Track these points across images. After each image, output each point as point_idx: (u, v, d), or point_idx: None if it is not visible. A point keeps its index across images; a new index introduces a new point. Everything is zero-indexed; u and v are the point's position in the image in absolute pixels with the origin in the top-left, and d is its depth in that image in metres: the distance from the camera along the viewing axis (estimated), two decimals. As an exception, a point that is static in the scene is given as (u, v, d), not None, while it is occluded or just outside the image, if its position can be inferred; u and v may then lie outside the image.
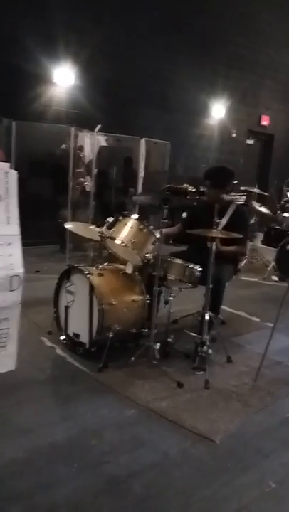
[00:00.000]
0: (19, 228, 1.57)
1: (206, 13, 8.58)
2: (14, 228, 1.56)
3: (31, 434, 2.44)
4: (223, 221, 3.78)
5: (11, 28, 6.10)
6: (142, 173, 6.79)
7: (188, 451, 2.43)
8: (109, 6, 7.05)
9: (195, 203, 4.42)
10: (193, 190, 7.69)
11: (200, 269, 3.41)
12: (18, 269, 1.56)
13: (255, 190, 7.19)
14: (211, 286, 3.40)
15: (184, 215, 4.65)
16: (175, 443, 2.49)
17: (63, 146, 6.10)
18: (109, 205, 6.94)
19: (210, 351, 3.38)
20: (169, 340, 3.56)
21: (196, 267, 3.41)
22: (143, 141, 6.66)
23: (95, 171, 6.17)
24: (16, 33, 6.10)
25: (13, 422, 2.55)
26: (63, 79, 6.92)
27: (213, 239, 3.33)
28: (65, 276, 3.59)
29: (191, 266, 3.41)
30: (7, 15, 6.05)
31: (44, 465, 2.21)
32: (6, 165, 1.54)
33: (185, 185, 7.82)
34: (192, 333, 3.57)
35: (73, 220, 5.64)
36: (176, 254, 3.64)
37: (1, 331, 1.55)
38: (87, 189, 6.18)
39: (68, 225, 4.13)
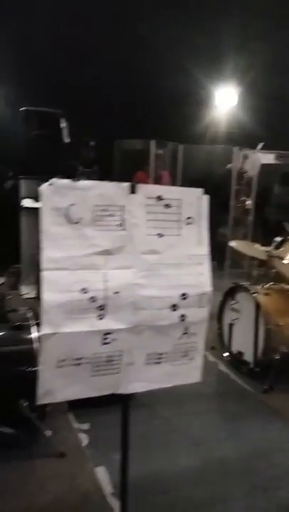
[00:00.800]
0: (209, 249, 1.68)
1: None
2: (204, 249, 1.67)
3: (202, 446, 2.53)
4: None
5: (176, 55, 6.47)
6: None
7: None
8: (273, 20, 6.99)
9: None
10: None
11: None
12: (207, 287, 1.66)
13: None
14: None
15: None
16: None
17: (228, 165, 6.22)
18: (268, 223, 6.81)
19: None
20: None
21: None
22: (307, 156, 6.40)
23: (256, 188, 6.14)
24: (181, 58, 6.44)
25: (183, 432, 2.68)
26: (226, 100, 7.09)
27: None
28: (230, 293, 3.64)
29: None
30: (173, 41, 6.43)
31: (217, 479, 2.26)
32: (199, 190, 1.67)
33: None
34: None
35: (233, 237, 5.68)
36: None
37: (190, 345, 1.67)
38: (248, 207, 6.18)
39: (232, 243, 4.18)
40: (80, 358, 1.50)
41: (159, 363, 1.63)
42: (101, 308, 1.49)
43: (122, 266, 1.53)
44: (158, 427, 2.70)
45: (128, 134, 6.03)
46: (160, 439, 2.60)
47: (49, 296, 1.43)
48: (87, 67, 6.13)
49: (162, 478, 2.26)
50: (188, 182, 6.23)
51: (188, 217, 1.64)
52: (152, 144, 5.71)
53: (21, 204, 5.22)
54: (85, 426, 2.66)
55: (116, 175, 6.16)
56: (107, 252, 1.51)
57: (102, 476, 2.25)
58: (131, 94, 6.13)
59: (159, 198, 1.59)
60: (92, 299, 1.48)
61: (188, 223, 1.64)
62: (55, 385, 1.49)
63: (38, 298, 4.72)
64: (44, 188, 1.43)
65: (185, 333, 1.65)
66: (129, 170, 5.78)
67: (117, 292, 1.51)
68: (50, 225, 1.44)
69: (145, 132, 5.75)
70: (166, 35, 6.40)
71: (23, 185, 5.23)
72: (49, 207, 1.44)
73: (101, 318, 1.50)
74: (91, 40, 6.06)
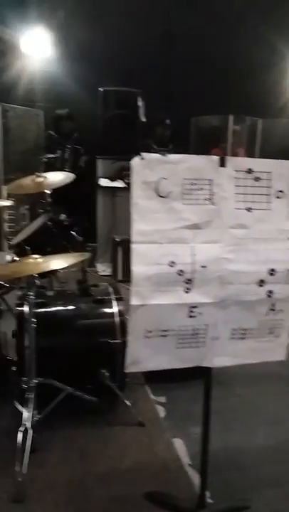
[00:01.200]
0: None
1: None
2: (294, 224, 1.62)
3: (280, 425, 2.50)
4: None
5: (254, 22, 6.12)
6: None
7: None
8: None
9: None
10: None
11: None
12: (297, 263, 1.61)
13: None
14: None
15: None
16: None
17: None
18: None
19: None
20: None
21: None
22: None
23: None
24: (259, 26, 6.10)
25: (260, 411, 2.65)
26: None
27: None
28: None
29: None
30: (249, 7, 6.07)
31: (296, 458, 2.24)
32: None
33: None
34: None
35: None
36: None
37: (277, 321, 1.64)
38: None
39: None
40: (167, 330, 1.53)
41: (243, 338, 1.62)
42: (188, 281, 1.51)
43: (209, 240, 1.53)
44: (234, 404, 2.70)
45: (205, 111, 5.89)
46: (236, 416, 2.59)
47: (138, 268, 1.46)
48: (161, 44, 6.06)
49: (238, 455, 2.26)
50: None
51: (279, 191, 1.59)
52: (230, 119, 5.54)
53: (98, 183, 5.34)
54: (162, 399, 2.72)
55: (191, 154, 6.08)
56: (195, 226, 1.52)
57: (180, 447, 2.29)
58: (207, 68, 5.96)
59: (249, 171, 1.55)
60: (180, 273, 1.49)
61: (278, 197, 1.59)
62: (142, 355, 1.54)
63: (113, 276, 4.85)
64: (135, 161, 1.45)
65: (272, 310, 1.62)
66: (204, 148, 5.68)
67: (204, 266, 1.51)
68: (140, 199, 1.47)
69: (222, 108, 5.59)
70: (242, 1, 6.11)
71: (100, 165, 5.33)
72: (139, 180, 1.46)
73: (188, 292, 1.51)
74: (165, 16, 5.97)
